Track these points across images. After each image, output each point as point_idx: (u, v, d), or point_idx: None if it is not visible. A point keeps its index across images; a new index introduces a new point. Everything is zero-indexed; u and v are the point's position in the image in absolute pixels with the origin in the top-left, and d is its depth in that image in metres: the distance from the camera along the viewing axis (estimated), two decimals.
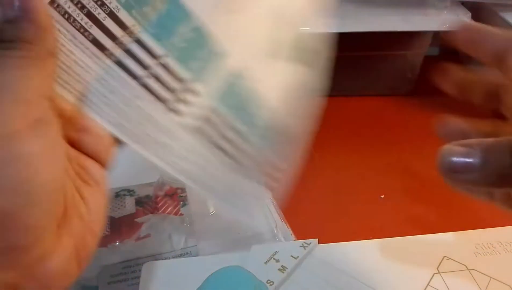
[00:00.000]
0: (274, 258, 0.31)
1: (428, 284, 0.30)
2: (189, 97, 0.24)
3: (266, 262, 0.31)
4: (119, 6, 0.21)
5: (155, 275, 0.31)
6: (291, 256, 0.31)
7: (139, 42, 0.22)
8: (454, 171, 0.20)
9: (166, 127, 0.23)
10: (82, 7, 0.20)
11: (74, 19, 0.20)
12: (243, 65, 0.25)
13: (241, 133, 0.26)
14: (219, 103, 0.24)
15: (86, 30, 0.20)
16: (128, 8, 0.21)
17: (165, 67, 0.22)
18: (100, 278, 0.35)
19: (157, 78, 0.22)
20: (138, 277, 0.32)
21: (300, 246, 0.32)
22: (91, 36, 0.21)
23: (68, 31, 0.20)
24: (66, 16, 0.20)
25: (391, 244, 0.32)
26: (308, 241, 0.32)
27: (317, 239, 0.32)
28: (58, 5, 0.20)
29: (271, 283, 0.29)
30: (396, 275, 0.30)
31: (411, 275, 0.30)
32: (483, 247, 0.33)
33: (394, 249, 0.32)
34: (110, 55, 0.21)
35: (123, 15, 0.21)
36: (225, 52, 0.24)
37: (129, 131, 0.22)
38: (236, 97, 0.25)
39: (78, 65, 0.21)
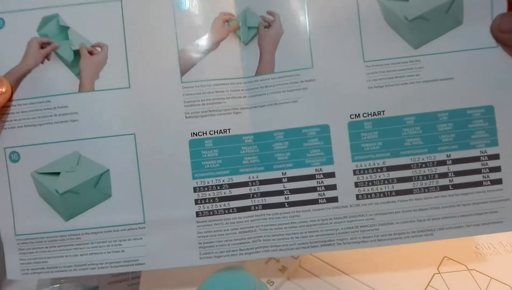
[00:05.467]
0: (274, 258, 0.31)
1: (428, 284, 0.30)
2: None
3: (266, 262, 0.30)
4: None
5: (155, 275, 0.31)
6: (291, 256, 0.30)
7: None
8: (500, 31, 0.28)
9: None
10: None
11: None
12: None
13: None
14: None
15: None
16: None
17: None
18: (100, 278, 0.36)
19: None
20: (138, 277, 0.33)
21: None
22: None
23: None
24: None
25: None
26: None
27: None
28: None
29: (271, 283, 0.29)
30: (396, 275, 0.30)
31: (411, 275, 0.30)
32: (483, 247, 0.32)
33: (395, 249, 0.31)
34: None
35: None
36: None
37: None
38: None
39: None
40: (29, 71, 0.30)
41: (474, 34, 0.29)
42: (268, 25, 0.30)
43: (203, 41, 0.30)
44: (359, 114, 0.29)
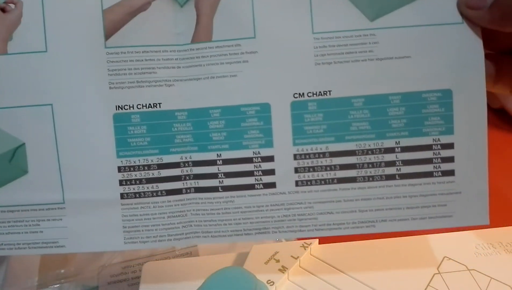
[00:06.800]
0: (274, 258, 0.30)
1: (428, 284, 0.28)
2: None
3: (266, 262, 0.30)
4: None
5: (155, 275, 0.30)
6: (291, 256, 0.30)
7: None
8: (468, 7, 0.25)
9: None
10: None
11: None
12: None
13: None
14: None
15: None
16: None
17: None
18: (100, 278, 0.36)
19: None
20: (138, 277, 0.32)
21: (301, 246, 0.31)
22: None
23: None
24: None
25: (391, 244, 0.30)
26: (308, 241, 0.31)
27: (318, 239, 0.31)
28: None
29: (271, 283, 0.28)
30: (396, 275, 0.29)
31: (411, 275, 0.29)
32: (483, 247, 0.31)
33: (394, 249, 0.30)
34: None
35: None
36: None
37: None
38: None
39: None
40: None
41: (438, 8, 0.26)
42: None
43: (132, 0, 0.26)
44: (303, 94, 0.26)
